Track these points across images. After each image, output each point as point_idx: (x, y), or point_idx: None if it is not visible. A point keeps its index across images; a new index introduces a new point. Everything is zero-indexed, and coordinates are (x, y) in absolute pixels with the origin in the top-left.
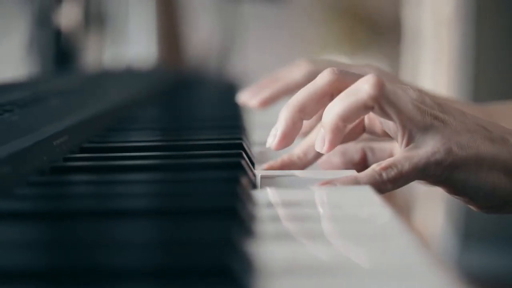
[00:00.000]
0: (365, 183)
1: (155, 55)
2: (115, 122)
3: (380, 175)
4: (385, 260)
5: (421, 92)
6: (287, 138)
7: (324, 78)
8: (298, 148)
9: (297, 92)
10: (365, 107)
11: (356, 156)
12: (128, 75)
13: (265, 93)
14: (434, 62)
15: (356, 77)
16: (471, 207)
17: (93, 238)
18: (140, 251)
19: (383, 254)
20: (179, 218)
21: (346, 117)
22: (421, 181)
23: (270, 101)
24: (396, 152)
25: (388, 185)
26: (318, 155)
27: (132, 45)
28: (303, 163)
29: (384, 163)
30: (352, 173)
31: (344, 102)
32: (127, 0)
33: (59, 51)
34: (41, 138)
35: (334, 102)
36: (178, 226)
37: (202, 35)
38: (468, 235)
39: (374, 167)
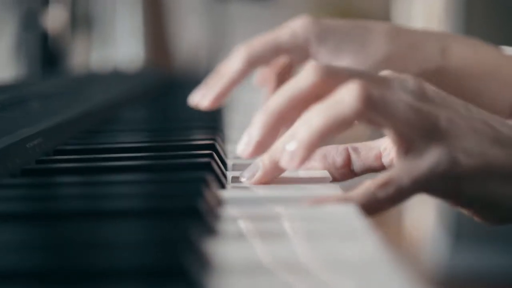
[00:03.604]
0: (359, 203)
1: (143, 57)
2: (94, 124)
3: (375, 195)
4: (347, 261)
5: (420, 80)
6: (262, 147)
7: (307, 79)
8: None
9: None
10: (349, 123)
11: (339, 159)
12: (114, 77)
13: (213, 92)
14: None
15: (345, 76)
16: (477, 219)
17: (58, 238)
18: (99, 251)
19: (345, 256)
20: (142, 217)
21: (326, 133)
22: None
23: (219, 99)
24: (384, 151)
25: (385, 205)
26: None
27: (120, 47)
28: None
29: (380, 180)
30: (327, 174)
31: (325, 116)
32: (114, 2)
33: (46, 53)
34: (14, 141)
35: (312, 114)
36: (141, 225)
37: (190, 36)
38: (459, 235)
39: (368, 186)
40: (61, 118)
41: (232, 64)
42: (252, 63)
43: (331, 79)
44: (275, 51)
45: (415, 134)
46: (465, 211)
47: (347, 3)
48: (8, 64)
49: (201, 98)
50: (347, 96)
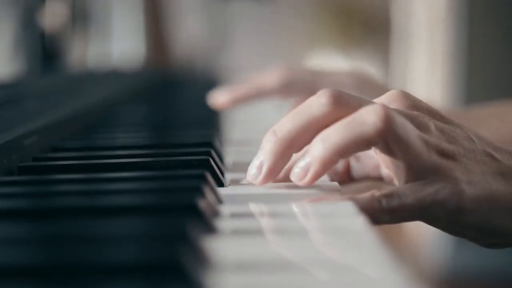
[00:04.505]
0: (361, 207)
1: (142, 55)
2: (92, 122)
3: (380, 202)
4: (346, 260)
5: (424, 116)
6: (273, 174)
7: (321, 106)
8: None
9: (270, 95)
10: (369, 143)
11: (339, 165)
12: (113, 75)
13: (236, 92)
14: (426, 58)
15: (358, 104)
16: (474, 243)
17: (55, 235)
18: (96, 247)
19: (344, 254)
20: (140, 214)
21: (344, 152)
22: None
23: (239, 101)
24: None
25: (385, 216)
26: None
27: (119, 44)
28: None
29: (385, 190)
30: (334, 185)
31: (345, 133)
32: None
33: (44, 50)
34: (10, 138)
35: (332, 130)
36: (138, 222)
37: (190, 34)
38: None
39: (374, 192)
40: (59, 115)
41: (269, 78)
42: (287, 88)
43: (344, 107)
44: (312, 90)
45: (423, 169)
46: (463, 238)
47: (347, 2)
48: (6, 62)
49: (221, 98)
50: (369, 115)
